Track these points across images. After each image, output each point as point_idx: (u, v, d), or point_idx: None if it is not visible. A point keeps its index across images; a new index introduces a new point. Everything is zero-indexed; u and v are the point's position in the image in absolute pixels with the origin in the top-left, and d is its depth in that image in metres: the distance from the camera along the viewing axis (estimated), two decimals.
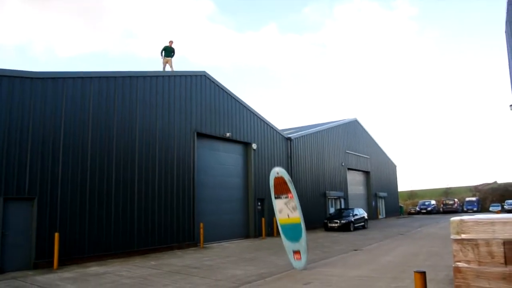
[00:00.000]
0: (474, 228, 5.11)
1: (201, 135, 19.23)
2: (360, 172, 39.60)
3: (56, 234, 12.31)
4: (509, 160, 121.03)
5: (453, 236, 5.25)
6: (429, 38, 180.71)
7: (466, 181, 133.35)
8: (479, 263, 5.02)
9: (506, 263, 4.85)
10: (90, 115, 14.26)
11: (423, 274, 4.00)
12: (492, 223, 5.04)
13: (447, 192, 79.29)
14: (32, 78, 12.76)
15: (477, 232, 5.08)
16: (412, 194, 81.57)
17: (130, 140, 15.55)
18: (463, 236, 5.17)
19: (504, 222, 4.98)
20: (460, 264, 5.15)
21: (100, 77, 14.81)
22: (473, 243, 5.08)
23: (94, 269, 11.97)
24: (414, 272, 4.05)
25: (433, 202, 56.23)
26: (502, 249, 4.89)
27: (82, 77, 14.20)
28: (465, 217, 5.38)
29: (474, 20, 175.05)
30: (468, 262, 5.10)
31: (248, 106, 22.65)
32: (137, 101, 16.03)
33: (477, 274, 4.99)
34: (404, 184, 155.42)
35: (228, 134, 20.68)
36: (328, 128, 33.25)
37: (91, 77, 14.50)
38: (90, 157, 14.05)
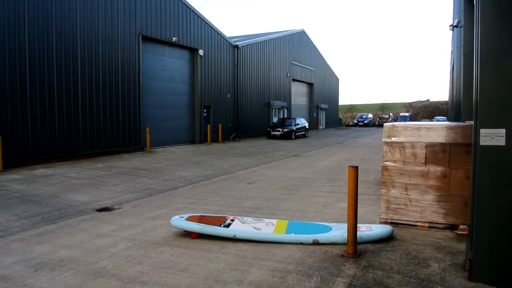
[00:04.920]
0: (403, 132, 5.77)
1: (146, 39, 18.51)
2: (304, 84, 40.46)
3: None
4: (442, 80, 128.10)
5: (384, 139, 5.90)
6: None
7: (402, 97, 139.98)
8: (404, 162, 5.77)
9: (426, 163, 5.62)
10: (26, 8, 13.16)
11: (355, 168, 4.59)
12: (419, 128, 5.71)
13: (384, 107, 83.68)
14: None
15: (405, 136, 5.75)
16: (351, 108, 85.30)
17: (71, 38, 14.69)
18: (393, 139, 5.83)
19: (428, 128, 5.66)
20: (388, 163, 5.87)
21: None
22: (401, 145, 5.78)
23: (41, 171, 11.98)
24: (348, 166, 4.62)
25: (370, 115, 59.16)
26: (424, 151, 5.63)
27: None
28: (397, 123, 6.02)
29: None
30: (394, 161, 5.83)
31: (196, 10, 21.79)
32: None
33: (401, 171, 5.76)
34: (345, 97, 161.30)
35: (174, 39, 20.06)
36: (275, 38, 32.98)
37: None
38: (28, 54, 13.22)
